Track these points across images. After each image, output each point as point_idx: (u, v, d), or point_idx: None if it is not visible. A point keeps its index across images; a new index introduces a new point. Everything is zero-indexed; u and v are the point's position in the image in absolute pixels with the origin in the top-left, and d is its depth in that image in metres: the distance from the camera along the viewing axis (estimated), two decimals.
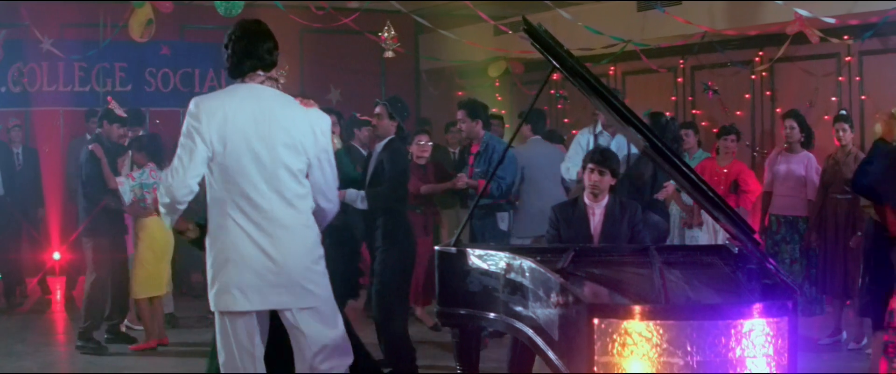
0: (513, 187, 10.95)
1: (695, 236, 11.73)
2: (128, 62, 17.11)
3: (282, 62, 18.00)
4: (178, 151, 6.04)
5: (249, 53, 6.23)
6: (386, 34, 14.11)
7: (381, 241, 9.39)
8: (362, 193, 9.31)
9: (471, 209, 8.25)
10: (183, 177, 5.97)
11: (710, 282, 6.22)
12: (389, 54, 14.38)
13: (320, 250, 6.27)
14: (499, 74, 17.94)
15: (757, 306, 5.00)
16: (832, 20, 12.12)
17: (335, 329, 6.29)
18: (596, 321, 4.94)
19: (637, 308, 4.98)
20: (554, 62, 6.69)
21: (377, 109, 9.54)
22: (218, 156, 6.00)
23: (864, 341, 10.60)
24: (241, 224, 6.02)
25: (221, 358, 6.19)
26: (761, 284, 5.65)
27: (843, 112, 11.38)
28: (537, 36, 6.66)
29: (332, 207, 6.46)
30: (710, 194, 5.97)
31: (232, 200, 6.03)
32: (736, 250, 6.82)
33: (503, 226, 10.84)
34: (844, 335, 10.85)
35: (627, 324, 4.92)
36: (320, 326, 6.20)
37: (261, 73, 6.28)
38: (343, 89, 18.46)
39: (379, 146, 9.56)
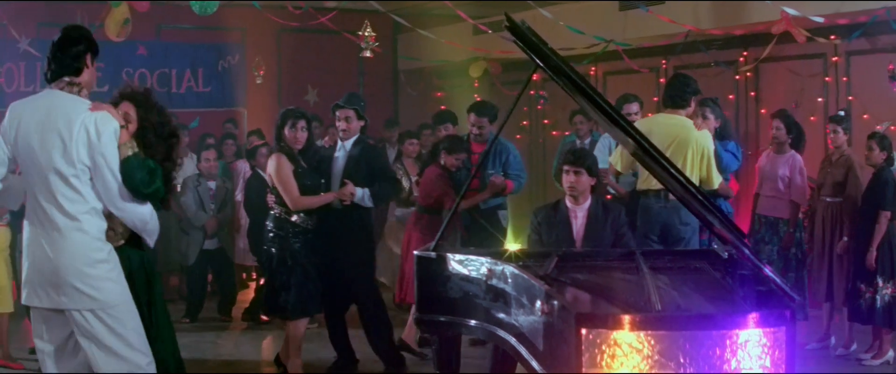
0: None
1: None
2: (104, 62, 16.64)
3: (258, 62, 17.86)
4: None
5: (55, 58, 6.39)
6: (364, 33, 13.89)
7: (354, 239, 9.69)
8: (368, 190, 9.51)
9: (451, 211, 7.94)
10: None
11: (700, 288, 5.97)
12: (367, 54, 14.16)
13: (100, 254, 6.23)
14: (479, 75, 17.70)
15: (753, 316, 4.75)
16: (820, 19, 11.91)
17: (120, 337, 6.25)
18: (584, 331, 4.68)
19: (627, 318, 4.72)
20: (537, 61, 6.43)
21: (347, 113, 9.74)
22: (17, 159, 6.29)
23: (854, 346, 10.42)
24: (33, 225, 6.24)
25: None
26: (756, 291, 5.39)
27: (841, 114, 11.13)
28: (520, 34, 6.41)
29: (123, 214, 6.33)
30: (700, 197, 5.72)
31: (29, 202, 6.33)
32: (725, 254, 6.59)
33: (505, 224, 10.81)
34: (833, 340, 10.66)
35: (617, 334, 4.66)
36: (105, 330, 6.19)
37: (65, 78, 6.38)
38: (321, 90, 18.23)
39: (347, 144, 9.78)
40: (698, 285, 6.08)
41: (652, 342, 4.64)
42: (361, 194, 9.45)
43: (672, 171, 5.71)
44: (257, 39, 18.10)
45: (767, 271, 5.39)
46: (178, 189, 12.19)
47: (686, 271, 6.56)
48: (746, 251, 5.61)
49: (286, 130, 9.41)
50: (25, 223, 6.33)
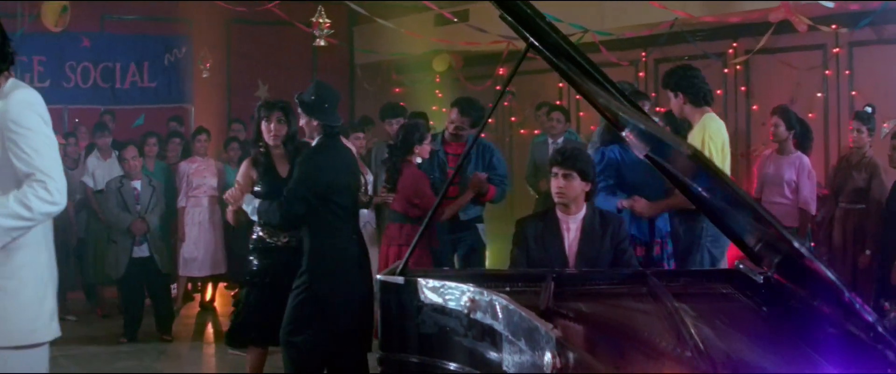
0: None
1: None
2: (47, 56, 16.30)
3: (204, 55, 16.87)
4: (53, 152, 4.90)
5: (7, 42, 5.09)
6: (318, 20, 12.85)
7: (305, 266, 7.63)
8: (256, 202, 7.69)
9: (425, 222, 6.65)
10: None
11: (737, 324, 4.74)
12: (321, 43, 13.18)
13: None
14: (443, 69, 16.67)
15: None
16: (831, 4, 10.77)
17: None
18: None
19: None
20: (531, 39, 5.25)
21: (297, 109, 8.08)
22: None
23: None
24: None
25: None
26: (826, 334, 4.13)
27: (867, 110, 10.04)
28: (511, 6, 5.22)
29: None
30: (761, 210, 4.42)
31: None
32: (759, 277, 5.37)
33: (486, 239, 9.70)
34: None
35: None
36: None
37: None
38: (272, 85, 17.32)
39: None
40: (733, 318, 4.86)
41: None
42: (250, 206, 7.73)
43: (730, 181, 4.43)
44: (204, 29, 17.38)
45: (868, 314, 3.99)
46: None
47: (712, 298, 5.37)
48: (848, 295, 4.10)
49: (263, 125, 8.14)
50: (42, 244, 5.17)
